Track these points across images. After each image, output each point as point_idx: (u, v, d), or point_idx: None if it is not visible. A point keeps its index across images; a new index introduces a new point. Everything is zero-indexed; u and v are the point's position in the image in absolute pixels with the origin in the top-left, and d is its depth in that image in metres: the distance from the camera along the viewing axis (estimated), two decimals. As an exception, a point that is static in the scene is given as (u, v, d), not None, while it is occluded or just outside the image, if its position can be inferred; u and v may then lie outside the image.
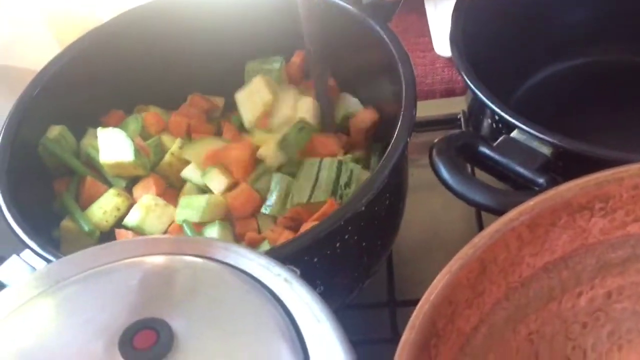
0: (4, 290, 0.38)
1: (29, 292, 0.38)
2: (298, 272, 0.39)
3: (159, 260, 0.39)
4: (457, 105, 0.72)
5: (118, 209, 0.58)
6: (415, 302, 0.40)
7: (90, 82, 0.63)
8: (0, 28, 0.72)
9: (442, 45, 0.79)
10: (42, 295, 0.37)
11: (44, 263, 0.50)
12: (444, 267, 0.42)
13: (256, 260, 0.38)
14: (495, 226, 0.43)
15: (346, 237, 0.50)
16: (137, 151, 0.59)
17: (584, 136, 0.50)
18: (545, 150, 0.49)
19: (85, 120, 0.63)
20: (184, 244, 0.40)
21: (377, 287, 0.61)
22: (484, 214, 0.63)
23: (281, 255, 0.46)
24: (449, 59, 0.79)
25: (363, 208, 0.49)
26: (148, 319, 0.34)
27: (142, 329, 0.33)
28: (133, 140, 0.59)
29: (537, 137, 0.49)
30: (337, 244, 0.50)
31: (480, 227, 0.63)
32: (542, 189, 0.47)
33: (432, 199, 0.67)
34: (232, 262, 0.38)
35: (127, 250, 0.40)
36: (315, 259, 0.49)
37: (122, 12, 0.66)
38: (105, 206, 0.58)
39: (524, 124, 0.50)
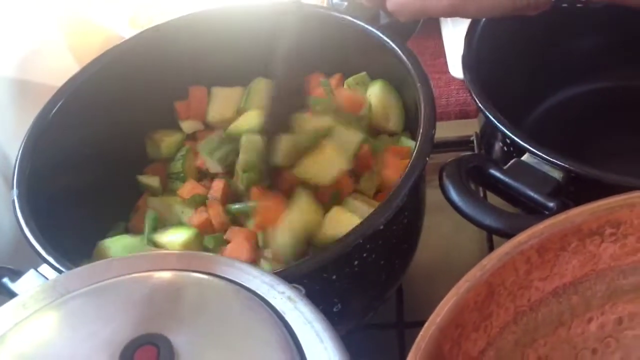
0: (9, 302, 0.39)
1: (34, 304, 0.38)
2: (303, 291, 0.38)
3: (165, 275, 0.39)
4: (471, 127, 0.72)
5: None
6: (424, 324, 0.40)
7: (109, 101, 0.63)
8: (18, 41, 0.72)
9: (457, 68, 0.79)
10: (48, 307, 0.38)
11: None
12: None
13: (260, 277, 0.38)
14: (504, 249, 0.43)
15: (365, 255, 0.50)
16: None
17: (596, 161, 0.50)
18: (557, 175, 0.49)
19: (103, 136, 0.63)
20: (190, 259, 0.40)
21: (386, 308, 0.60)
22: (495, 236, 0.63)
23: (300, 272, 0.46)
24: (463, 81, 0.79)
25: (382, 227, 0.49)
26: (150, 335, 0.34)
27: (144, 344, 0.34)
28: None
29: (548, 161, 0.49)
30: (356, 262, 0.50)
31: (491, 250, 0.62)
32: (553, 213, 0.47)
33: (444, 220, 0.66)
34: (236, 279, 0.38)
35: (134, 265, 0.40)
36: (334, 277, 0.49)
37: (143, 30, 0.67)
38: None
39: (535, 148, 0.50)
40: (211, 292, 0.38)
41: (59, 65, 0.73)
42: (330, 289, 0.49)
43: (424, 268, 0.65)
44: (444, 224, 0.67)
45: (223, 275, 0.39)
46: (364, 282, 0.53)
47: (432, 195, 0.61)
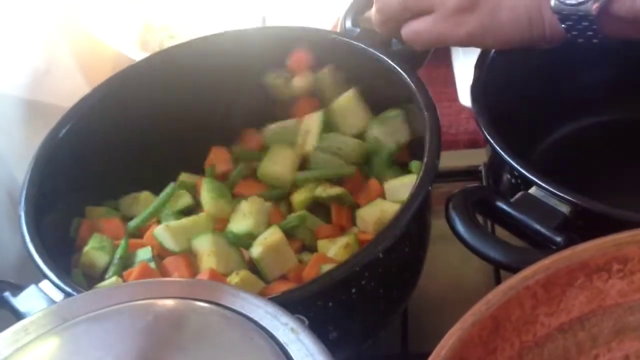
0: (11, 327, 0.39)
1: (37, 329, 0.38)
2: (306, 322, 0.38)
3: (168, 303, 0.39)
4: (480, 157, 0.71)
5: None
6: (429, 356, 0.39)
7: (118, 122, 0.64)
8: (29, 62, 0.73)
9: (467, 96, 0.79)
10: (50, 333, 0.38)
11: (61, 294, 0.50)
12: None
13: (263, 307, 0.38)
14: (509, 283, 0.42)
15: (362, 283, 0.50)
16: None
17: (604, 195, 0.49)
18: (564, 209, 0.49)
19: (111, 157, 0.64)
20: (194, 287, 0.40)
21: (390, 338, 0.60)
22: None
23: (295, 299, 0.46)
24: (473, 110, 0.79)
25: (380, 255, 0.48)
26: (151, 364, 0.34)
27: (145, 373, 0.33)
28: None
29: (555, 194, 0.49)
30: (353, 290, 0.50)
31: (499, 282, 0.62)
32: (560, 247, 0.46)
33: (452, 250, 0.65)
34: (239, 309, 0.38)
35: (137, 292, 0.40)
36: (330, 304, 0.49)
37: (153, 53, 0.67)
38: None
39: (542, 181, 0.49)
40: (213, 322, 0.38)
41: (69, 86, 0.73)
42: (326, 316, 0.49)
43: (430, 298, 0.64)
44: (452, 254, 0.66)
45: (226, 304, 0.39)
46: (361, 310, 0.52)
47: (440, 225, 0.60)
